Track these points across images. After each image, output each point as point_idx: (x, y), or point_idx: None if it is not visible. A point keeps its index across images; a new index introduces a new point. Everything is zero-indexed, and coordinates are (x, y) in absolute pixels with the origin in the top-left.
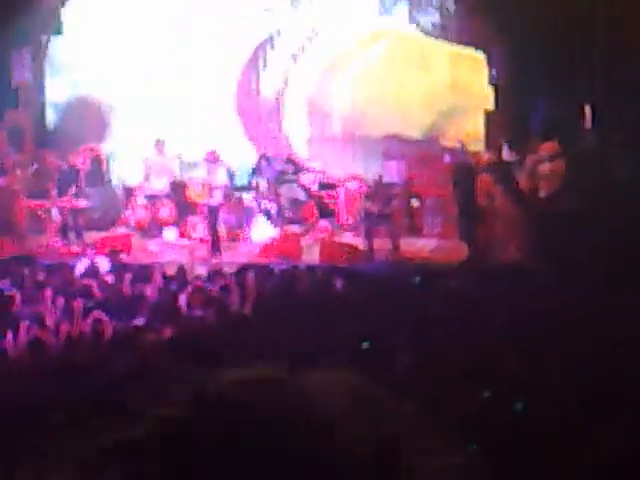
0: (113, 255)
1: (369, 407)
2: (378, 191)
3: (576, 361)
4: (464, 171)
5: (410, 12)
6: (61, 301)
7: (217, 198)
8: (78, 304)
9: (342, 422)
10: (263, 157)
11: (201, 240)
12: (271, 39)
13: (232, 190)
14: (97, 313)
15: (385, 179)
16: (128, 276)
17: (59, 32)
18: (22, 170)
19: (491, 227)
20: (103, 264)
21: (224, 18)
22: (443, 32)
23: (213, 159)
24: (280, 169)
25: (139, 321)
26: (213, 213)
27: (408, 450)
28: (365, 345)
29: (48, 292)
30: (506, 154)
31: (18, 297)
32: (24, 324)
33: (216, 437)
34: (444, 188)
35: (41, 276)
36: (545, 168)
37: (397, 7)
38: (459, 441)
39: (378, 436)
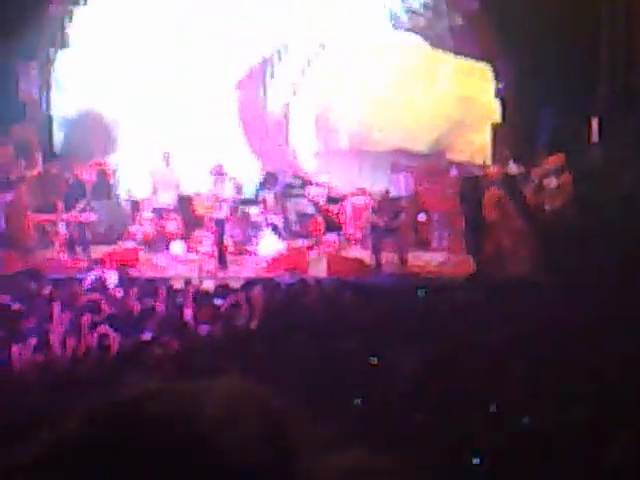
0: (121, 269)
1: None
2: (385, 205)
3: (585, 374)
4: (471, 184)
5: (417, 25)
6: (68, 315)
7: (224, 212)
8: (85, 319)
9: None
10: (270, 171)
11: (208, 254)
12: (278, 52)
13: (239, 204)
14: (104, 328)
15: (392, 193)
16: (135, 290)
17: (66, 46)
18: (29, 184)
19: (498, 241)
20: (110, 278)
21: (231, 30)
22: (450, 45)
23: (220, 173)
24: (287, 183)
25: (146, 335)
26: (220, 227)
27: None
28: (373, 360)
29: (55, 306)
30: (512, 167)
31: (25, 312)
32: (31, 339)
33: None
34: (451, 202)
35: (48, 290)
36: (551, 181)
37: (404, 21)
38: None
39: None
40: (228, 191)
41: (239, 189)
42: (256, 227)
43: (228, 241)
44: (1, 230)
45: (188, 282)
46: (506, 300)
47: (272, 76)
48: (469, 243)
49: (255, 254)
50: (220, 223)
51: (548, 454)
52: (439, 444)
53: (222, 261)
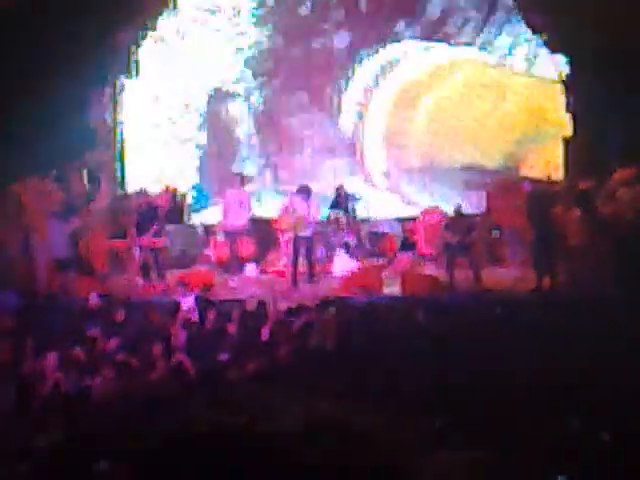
0: (202, 292)
1: None
2: (458, 222)
3: None
4: (543, 199)
5: (486, 41)
6: (145, 340)
7: (309, 231)
8: (162, 343)
9: None
10: (342, 190)
11: (282, 274)
12: (349, 72)
13: (321, 225)
14: (180, 355)
15: (465, 209)
16: (211, 312)
17: (136, 73)
18: (101, 210)
19: (571, 256)
20: (188, 302)
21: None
22: (519, 60)
23: (306, 193)
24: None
25: (223, 357)
26: (295, 247)
27: None
28: None
29: (130, 331)
30: (585, 181)
31: (100, 337)
32: (108, 365)
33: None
34: (524, 217)
35: (123, 316)
36: (625, 193)
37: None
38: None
39: None
40: (314, 211)
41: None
42: (330, 246)
43: (303, 261)
44: (72, 255)
45: (263, 303)
46: (581, 316)
47: (344, 94)
48: (537, 258)
49: (330, 273)
50: (295, 243)
51: (629, 471)
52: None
53: (297, 281)
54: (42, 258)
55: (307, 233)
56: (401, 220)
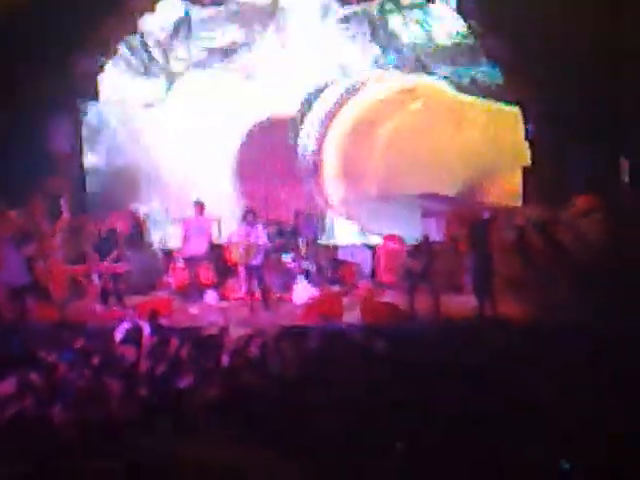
0: (153, 319)
1: None
2: (421, 249)
3: None
4: (483, 226)
5: (445, 69)
6: (102, 366)
7: (257, 259)
8: (119, 369)
9: None
10: (301, 217)
11: (242, 301)
12: (309, 97)
13: (272, 251)
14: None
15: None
16: (170, 339)
17: (95, 98)
18: (61, 236)
19: (531, 284)
20: (144, 328)
21: (260, 77)
22: (478, 89)
23: (251, 219)
24: (318, 229)
25: (183, 383)
26: (253, 274)
27: None
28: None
29: (91, 359)
30: (543, 209)
31: (61, 365)
32: (68, 392)
33: None
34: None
35: (82, 342)
36: (583, 223)
37: (432, 64)
38: None
39: None
40: (260, 238)
41: (271, 236)
42: (289, 273)
43: (262, 288)
44: (28, 281)
45: (223, 330)
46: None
47: (302, 121)
48: (476, 285)
49: (289, 301)
50: (254, 270)
51: None
52: None
53: (256, 308)
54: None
55: (257, 261)
56: (364, 247)
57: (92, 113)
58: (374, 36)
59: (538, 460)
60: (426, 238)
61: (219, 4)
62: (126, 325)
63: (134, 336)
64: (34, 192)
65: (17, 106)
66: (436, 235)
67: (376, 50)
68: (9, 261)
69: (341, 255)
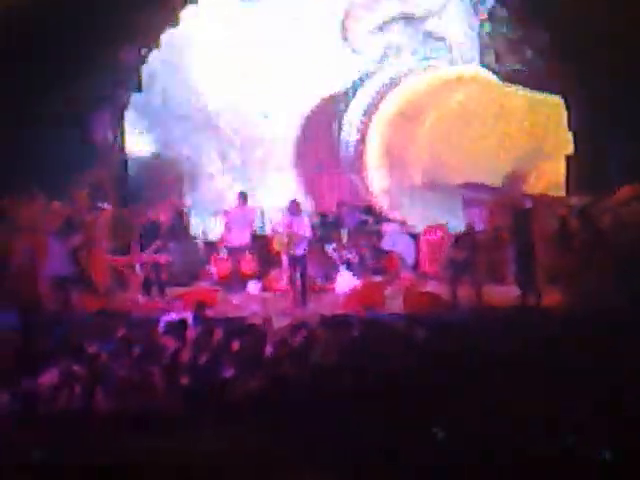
0: (199, 309)
1: None
2: (464, 239)
3: None
4: (527, 215)
5: (488, 59)
6: (145, 357)
7: (301, 248)
8: (164, 359)
9: None
10: (343, 207)
11: (284, 292)
12: (353, 87)
13: (314, 241)
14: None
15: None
16: (214, 329)
17: (139, 89)
18: (104, 227)
19: (573, 272)
20: (188, 319)
21: (304, 63)
22: (521, 78)
23: (295, 209)
24: (361, 219)
25: (227, 373)
26: (296, 264)
27: None
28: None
29: (134, 349)
30: (587, 198)
31: (103, 354)
32: (110, 381)
33: None
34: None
35: (125, 332)
36: (626, 212)
37: (475, 54)
38: None
39: None
40: (304, 228)
41: (314, 226)
42: (331, 264)
43: (305, 278)
44: (73, 272)
45: (266, 320)
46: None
47: (346, 111)
48: (518, 275)
49: (331, 291)
50: (298, 261)
51: None
52: None
53: (299, 298)
54: (43, 276)
55: (299, 251)
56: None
57: (135, 104)
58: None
59: (579, 449)
60: (470, 228)
61: None
62: (171, 316)
63: (178, 327)
64: (78, 183)
65: (61, 97)
66: (479, 225)
67: (419, 39)
68: (54, 252)
69: (384, 245)
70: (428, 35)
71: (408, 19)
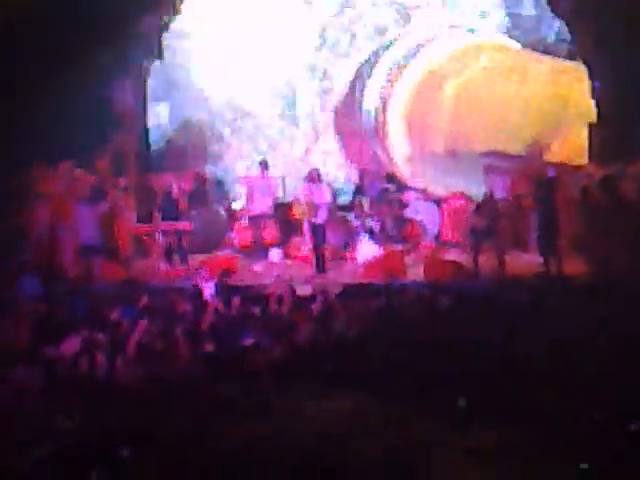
0: (221, 277)
1: None
2: (487, 206)
3: None
4: (550, 184)
5: (513, 26)
6: (167, 325)
7: (321, 217)
8: (185, 328)
9: None
10: (365, 175)
11: (306, 259)
12: (375, 54)
13: (335, 209)
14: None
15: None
16: (235, 297)
17: (160, 57)
18: (126, 194)
19: (597, 241)
20: (210, 286)
21: (325, 32)
22: (544, 45)
23: (316, 178)
24: (382, 187)
25: (248, 341)
26: (317, 232)
27: None
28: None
29: (155, 316)
30: (610, 166)
31: (125, 322)
32: (131, 348)
33: None
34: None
35: (146, 300)
36: None
37: (496, 21)
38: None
39: None
40: (325, 196)
41: (335, 194)
42: (353, 232)
43: (326, 246)
44: (99, 241)
45: (288, 288)
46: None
47: (369, 77)
48: (541, 243)
49: (352, 259)
50: (317, 229)
51: None
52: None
53: (320, 266)
54: (68, 243)
55: (319, 219)
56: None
57: (157, 71)
58: None
59: (600, 419)
60: (490, 195)
61: None
62: (189, 284)
63: (195, 295)
64: (100, 152)
65: (83, 66)
66: (501, 193)
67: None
68: (82, 220)
69: (407, 212)
70: None
71: None
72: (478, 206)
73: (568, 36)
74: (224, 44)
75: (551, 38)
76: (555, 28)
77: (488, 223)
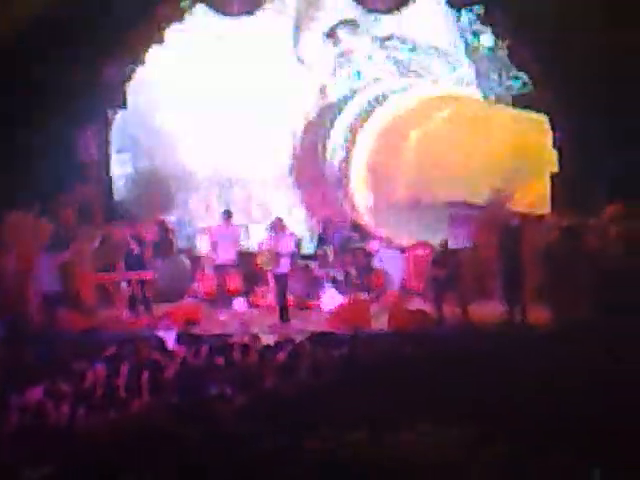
0: (185, 326)
1: None
2: (445, 256)
3: None
4: (515, 232)
5: (474, 77)
6: (132, 374)
7: (284, 266)
8: (148, 377)
9: None
10: (329, 225)
11: (270, 308)
12: (338, 103)
13: (299, 258)
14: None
15: (451, 244)
16: (199, 347)
17: (124, 106)
18: (90, 244)
19: (562, 288)
20: (173, 336)
21: (290, 81)
22: (506, 97)
23: (279, 227)
24: (346, 236)
25: (213, 391)
26: (281, 281)
27: None
28: None
29: (121, 366)
30: (572, 217)
31: (90, 373)
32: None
33: None
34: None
35: (112, 350)
36: (612, 230)
37: (461, 74)
38: None
39: None
40: (288, 245)
41: (298, 243)
42: (317, 281)
43: (289, 295)
44: (60, 289)
45: (252, 337)
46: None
47: (332, 128)
48: (505, 291)
49: (317, 308)
50: (281, 278)
51: None
52: None
53: (284, 315)
54: (31, 291)
55: (282, 269)
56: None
57: (120, 120)
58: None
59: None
60: (445, 245)
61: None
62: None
63: (159, 345)
64: (64, 200)
65: (46, 115)
66: (464, 242)
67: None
68: (42, 268)
69: (372, 261)
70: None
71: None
72: (435, 257)
73: (530, 87)
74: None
75: (513, 89)
76: (516, 79)
77: (448, 273)
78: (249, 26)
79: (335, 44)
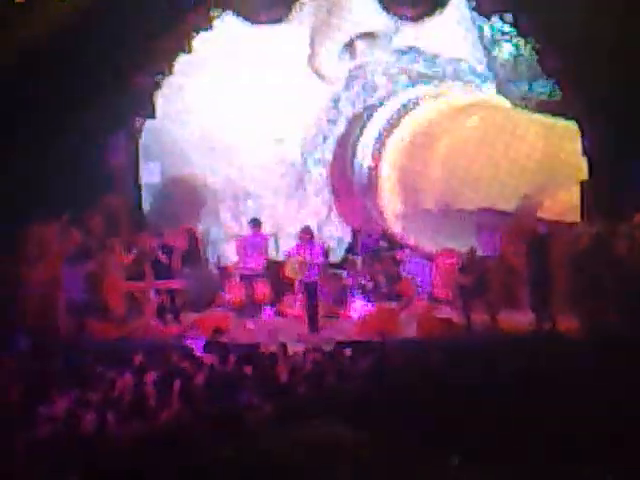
0: (214, 335)
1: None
2: (472, 264)
3: None
4: (544, 241)
5: (501, 85)
6: (161, 383)
7: (312, 275)
8: (178, 385)
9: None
10: (358, 233)
11: (298, 318)
12: (367, 110)
13: (328, 267)
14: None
15: (479, 252)
16: (227, 355)
17: (152, 116)
18: (120, 253)
19: (589, 295)
20: (201, 345)
21: (322, 90)
22: (535, 104)
23: (308, 236)
24: (375, 245)
25: (242, 400)
26: (310, 290)
27: None
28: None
29: (148, 374)
30: (601, 224)
31: (120, 380)
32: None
33: None
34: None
35: (141, 359)
36: None
37: (488, 81)
38: None
39: None
40: (317, 254)
41: (327, 252)
42: (345, 290)
43: (318, 304)
44: (88, 299)
45: (280, 346)
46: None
47: (361, 134)
48: (534, 300)
49: (346, 317)
50: (310, 287)
51: None
52: None
53: (313, 324)
54: (59, 300)
55: (310, 278)
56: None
57: (149, 130)
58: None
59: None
60: (473, 253)
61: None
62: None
63: (189, 353)
64: (93, 209)
65: (76, 124)
66: (493, 250)
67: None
68: (69, 278)
69: (400, 270)
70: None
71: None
72: (462, 264)
73: (558, 94)
74: (218, 98)
75: (542, 96)
76: (546, 86)
77: (476, 280)
78: (268, 34)
79: (352, 56)
